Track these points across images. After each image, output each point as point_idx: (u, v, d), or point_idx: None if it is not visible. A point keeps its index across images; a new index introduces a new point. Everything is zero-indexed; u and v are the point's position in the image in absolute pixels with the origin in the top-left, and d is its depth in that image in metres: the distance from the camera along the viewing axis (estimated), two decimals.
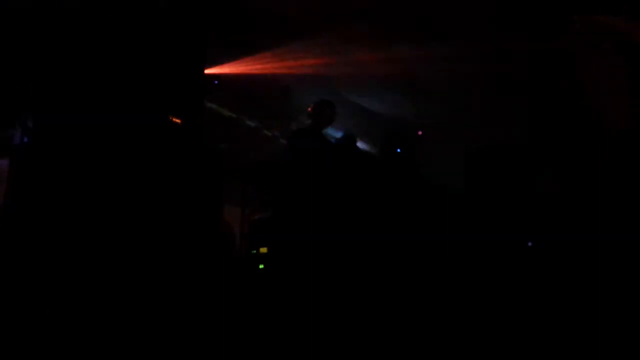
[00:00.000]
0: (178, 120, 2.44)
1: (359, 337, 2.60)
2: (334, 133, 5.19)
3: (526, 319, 3.05)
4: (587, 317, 2.75)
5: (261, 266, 3.80)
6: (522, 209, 3.57)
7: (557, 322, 2.92)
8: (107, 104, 2.34)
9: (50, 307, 2.00)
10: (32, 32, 2.37)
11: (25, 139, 2.40)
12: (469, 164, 3.77)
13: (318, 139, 3.81)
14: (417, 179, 3.58)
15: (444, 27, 5.45)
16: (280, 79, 6.18)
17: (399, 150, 3.52)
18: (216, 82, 5.62)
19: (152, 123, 2.33)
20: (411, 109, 7.46)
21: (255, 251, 4.03)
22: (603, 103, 2.98)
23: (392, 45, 5.76)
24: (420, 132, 7.86)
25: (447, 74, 6.46)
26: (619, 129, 2.94)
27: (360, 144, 4.94)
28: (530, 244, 3.48)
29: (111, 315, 1.95)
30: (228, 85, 5.83)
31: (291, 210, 3.24)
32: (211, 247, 2.43)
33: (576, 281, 3.00)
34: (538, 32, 4.35)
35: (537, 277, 3.24)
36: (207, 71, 5.39)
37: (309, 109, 4.34)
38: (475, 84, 6.55)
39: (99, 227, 2.10)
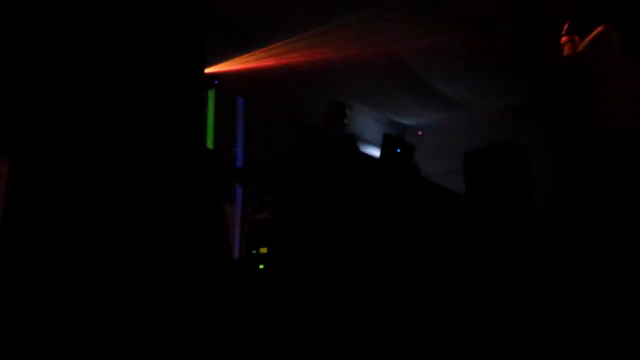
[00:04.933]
0: (177, 121, 2.44)
1: (359, 339, 2.61)
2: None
3: (526, 320, 3.05)
4: (587, 319, 2.75)
5: (261, 266, 3.80)
6: (521, 210, 3.57)
7: (557, 324, 2.92)
8: (105, 104, 2.34)
9: (49, 308, 2.01)
10: (30, 29, 2.37)
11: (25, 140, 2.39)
12: (468, 164, 3.77)
13: (331, 141, 3.86)
14: (417, 179, 3.58)
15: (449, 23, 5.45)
16: (282, 77, 6.18)
17: (399, 150, 3.52)
18: (216, 82, 5.62)
19: (152, 123, 2.33)
20: (412, 108, 7.46)
21: (255, 251, 4.03)
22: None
23: (392, 42, 5.76)
24: (420, 132, 7.87)
25: (447, 72, 6.47)
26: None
27: (360, 145, 4.96)
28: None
29: (110, 316, 1.95)
30: (228, 84, 5.84)
31: (291, 210, 3.24)
32: (210, 248, 2.43)
33: (577, 283, 3.00)
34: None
35: (537, 279, 3.24)
36: (207, 71, 5.40)
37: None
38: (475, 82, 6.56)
39: (98, 228, 2.10)
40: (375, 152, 4.17)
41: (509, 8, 5.15)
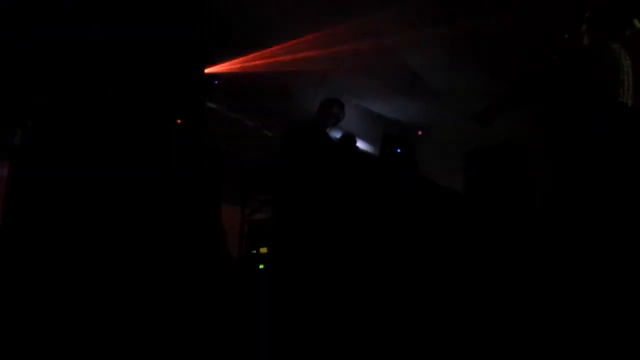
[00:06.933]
0: (178, 121, 2.44)
1: (359, 338, 2.61)
2: (333, 133, 5.18)
3: (526, 320, 3.05)
4: (587, 317, 2.75)
5: (261, 266, 3.80)
6: (522, 210, 3.56)
7: (556, 323, 2.91)
8: (106, 104, 2.35)
9: (49, 309, 2.01)
10: (29, 31, 2.37)
11: (25, 140, 2.40)
12: (468, 164, 3.76)
13: (316, 137, 3.81)
14: (417, 179, 3.58)
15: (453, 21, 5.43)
16: (281, 77, 6.18)
17: (399, 150, 3.52)
18: (216, 82, 5.62)
19: (152, 123, 2.33)
20: (412, 108, 7.46)
21: (255, 251, 4.03)
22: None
23: (392, 41, 5.75)
24: (420, 132, 7.87)
25: (448, 72, 6.46)
26: None
27: (361, 145, 4.95)
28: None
29: (110, 317, 1.96)
30: (228, 85, 5.84)
31: (291, 210, 3.24)
32: (210, 247, 2.43)
33: (578, 282, 2.99)
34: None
35: (537, 278, 3.24)
36: (207, 71, 5.39)
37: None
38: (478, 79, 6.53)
39: (99, 228, 2.10)
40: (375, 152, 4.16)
41: (511, 4, 5.12)
